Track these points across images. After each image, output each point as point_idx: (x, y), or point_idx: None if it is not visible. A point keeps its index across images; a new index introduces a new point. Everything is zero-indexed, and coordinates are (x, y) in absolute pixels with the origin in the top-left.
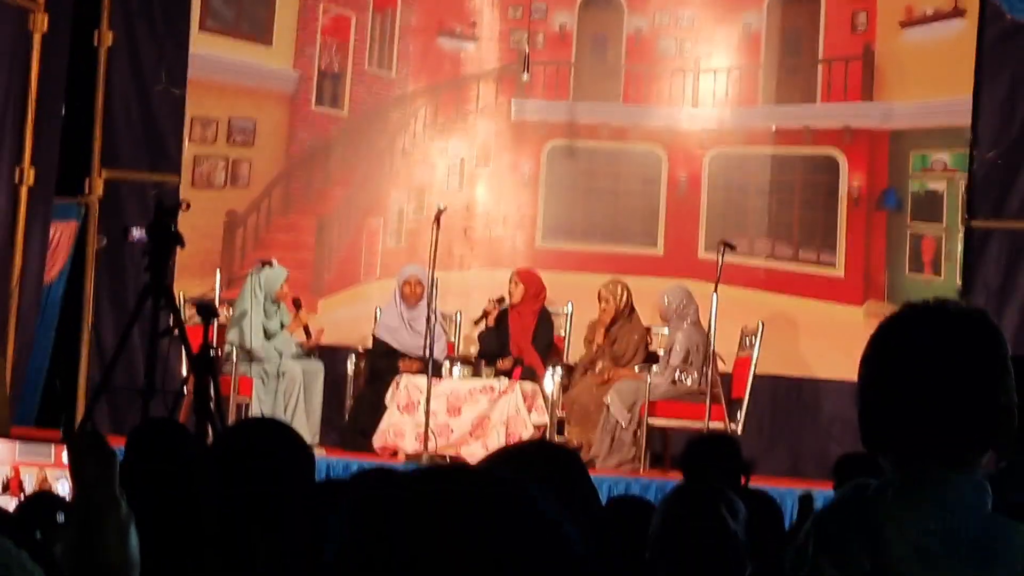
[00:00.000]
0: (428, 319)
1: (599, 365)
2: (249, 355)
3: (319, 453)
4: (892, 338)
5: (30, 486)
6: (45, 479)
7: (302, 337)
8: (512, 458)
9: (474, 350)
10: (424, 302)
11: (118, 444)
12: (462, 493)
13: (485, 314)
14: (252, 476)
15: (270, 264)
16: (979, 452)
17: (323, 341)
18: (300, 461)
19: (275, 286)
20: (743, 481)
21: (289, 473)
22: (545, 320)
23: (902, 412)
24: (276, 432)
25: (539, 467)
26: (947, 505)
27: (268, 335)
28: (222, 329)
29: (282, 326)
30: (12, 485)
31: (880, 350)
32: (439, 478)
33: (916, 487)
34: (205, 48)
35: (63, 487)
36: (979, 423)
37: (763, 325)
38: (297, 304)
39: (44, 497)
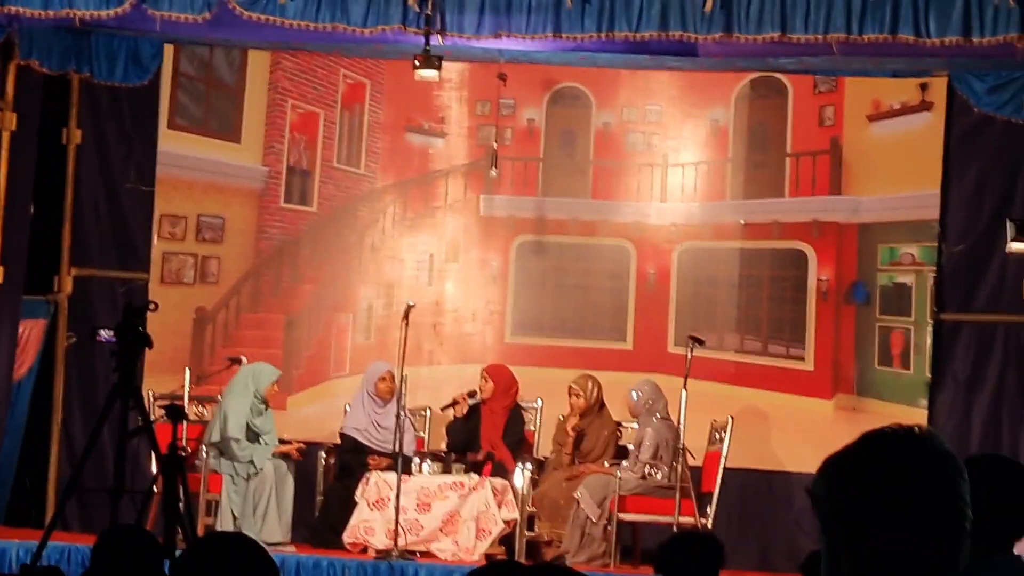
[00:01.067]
0: (397, 415)
1: (567, 461)
2: (222, 451)
3: (290, 551)
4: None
5: None
6: None
7: (279, 446)
8: None
9: (443, 444)
10: (394, 398)
11: (88, 543)
12: None
13: (454, 402)
14: None
15: (239, 360)
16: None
17: (293, 437)
18: None
19: (267, 384)
20: None
21: None
22: (516, 416)
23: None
24: (243, 548)
25: None
26: None
27: (253, 435)
28: (192, 427)
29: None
30: None
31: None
32: None
33: None
34: (174, 146)
35: None
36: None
37: (732, 419)
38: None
39: None
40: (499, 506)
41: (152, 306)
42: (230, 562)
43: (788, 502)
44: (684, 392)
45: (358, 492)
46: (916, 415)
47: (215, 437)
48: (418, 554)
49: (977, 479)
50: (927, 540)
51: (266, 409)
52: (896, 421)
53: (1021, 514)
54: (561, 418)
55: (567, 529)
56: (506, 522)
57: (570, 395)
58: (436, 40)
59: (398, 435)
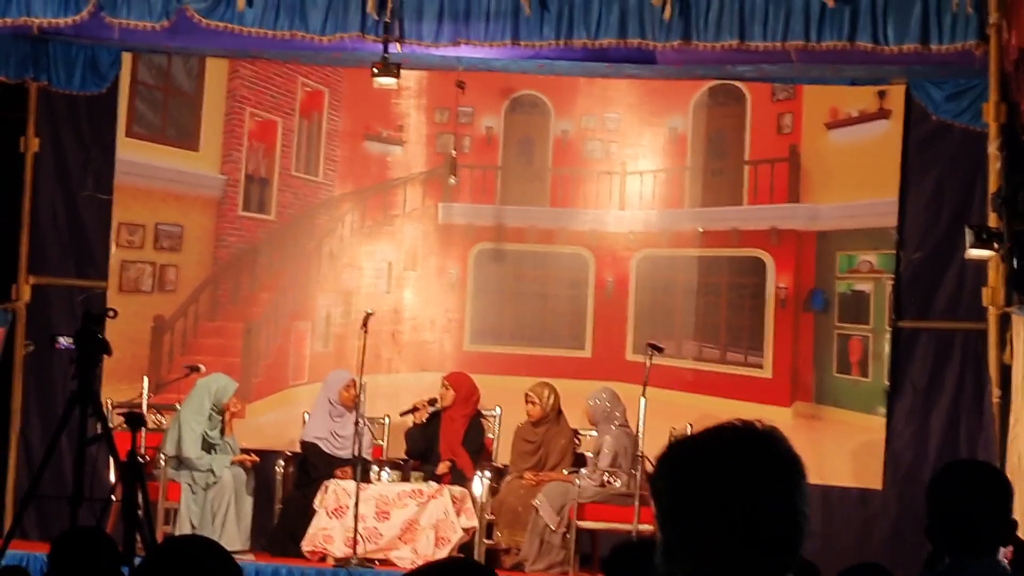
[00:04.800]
0: (356, 422)
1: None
2: (181, 461)
3: (249, 559)
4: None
5: None
6: None
7: (238, 454)
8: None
9: (402, 452)
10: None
11: (47, 551)
12: None
13: (414, 408)
14: None
15: (197, 369)
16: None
17: (252, 445)
18: None
19: (224, 398)
20: None
21: None
22: (477, 424)
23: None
24: (206, 551)
25: None
26: None
27: (208, 444)
28: (151, 435)
29: (222, 434)
30: None
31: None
32: None
33: None
34: (132, 154)
35: None
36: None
37: (691, 427)
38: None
39: None
40: (458, 514)
41: (111, 313)
42: (194, 565)
43: None
44: (643, 400)
45: (317, 500)
46: (875, 422)
47: (171, 451)
48: (377, 562)
49: (958, 485)
50: (763, 539)
51: (221, 420)
52: (746, 421)
53: (1002, 521)
54: (519, 425)
55: (526, 537)
56: (465, 530)
57: (526, 403)
58: (394, 48)
59: (357, 442)
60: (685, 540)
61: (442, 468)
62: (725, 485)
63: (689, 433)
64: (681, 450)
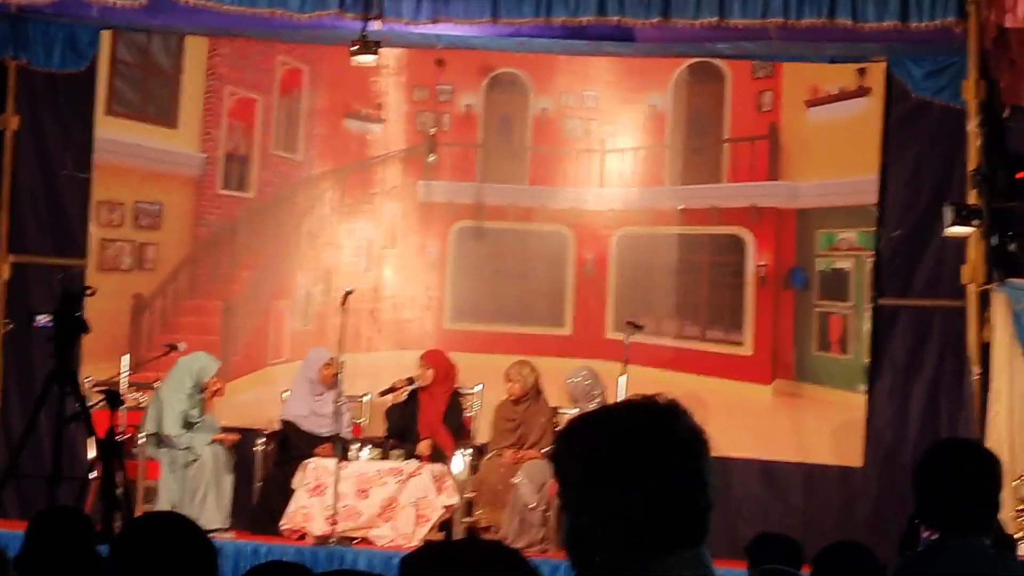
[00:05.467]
0: (336, 401)
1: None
2: (160, 439)
3: (228, 537)
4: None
5: None
6: None
7: (218, 432)
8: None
9: (382, 430)
10: (336, 385)
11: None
12: None
13: (393, 388)
14: (157, 571)
15: (176, 347)
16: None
17: (231, 424)
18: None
19: (206, 376)
20: None
21: (193, 571)
22: (456, 402)
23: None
24: (180, 527)
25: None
26: None
27: (188, 423)
28: (130, 413)
29: (201, 413)
30: None
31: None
32: None
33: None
34: (111, 132)
35: None
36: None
37: None
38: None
39: None
40: (438, 492)
41: (89, 291)
42: (168, 540)
43: (727, 488)
44: (623, 378)
45: (296, 479)
46: (855, 400)
47: (151, 428)
48: (356, 540)
49: (947, 465)
50: (672, 512)
51: (201, 399)
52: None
53: (989, 502)
54: (499, 403)
55: (506, 515)
56: (445, 508)
57: (506, 381)
58: (373, 26)
59: (337, 420)
60: (595, 519)
61: (423, 449)
62: (631, 460)
63: (589, 411)
64: (585, 424)
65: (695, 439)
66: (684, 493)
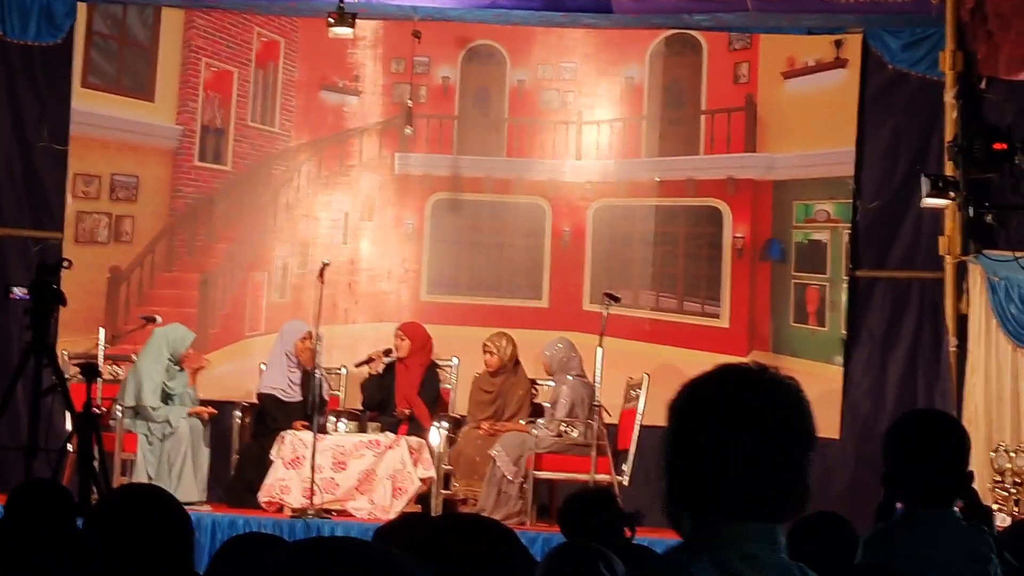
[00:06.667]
0: (312, 372)
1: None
2: (137, 412)
3: (205, 510)
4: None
5: None
6: None
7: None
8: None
9: (359, 402)
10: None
11: (3, 502)
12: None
13: (369, 359)
14: (133, 543)
15: (153, 320)
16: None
17: (209, 396)
18: (180, 531)
19: (182, 348)
20: (628, 534)
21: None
22: (432, 373)
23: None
24: (155, 498)
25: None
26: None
27: (166, 396)
28: (106, 386)
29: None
30: None
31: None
32: (320, 557)
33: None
34: (87, 104)
35: None
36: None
37: (648, 377)
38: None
39: None
40: (415, 464)
41: (66, 264)
42: (143, 512)
43: None
44: (600, 350)
45: (273, 451)
46: (832, 372)
47: (129, 401)
48: (334, 513)
49: (915, 435)
50: (756, 480)
51: (180, 371)
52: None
53: (958, 472)
54: (476, 375)
55: (483, 487)
56: (422, 480)
57: (484, 353)
58: None
59: (313, 393)
60: (690, 485)
61: (401, 410)
62: (750, 419)
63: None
64: (695, 388)
65: (808, 435)
66: (779, 465)
